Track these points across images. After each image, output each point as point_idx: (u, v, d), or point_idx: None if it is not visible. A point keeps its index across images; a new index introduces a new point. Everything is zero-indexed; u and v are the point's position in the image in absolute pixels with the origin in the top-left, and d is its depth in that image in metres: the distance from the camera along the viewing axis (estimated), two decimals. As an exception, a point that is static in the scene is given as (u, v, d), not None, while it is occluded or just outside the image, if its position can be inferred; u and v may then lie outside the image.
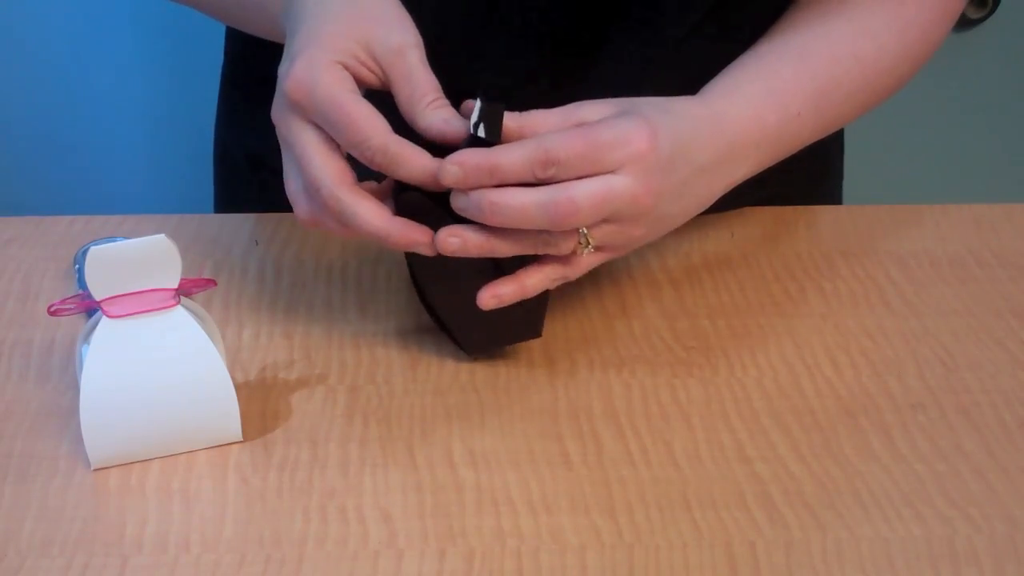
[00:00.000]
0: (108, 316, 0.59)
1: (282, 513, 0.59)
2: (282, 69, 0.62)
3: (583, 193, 0.60)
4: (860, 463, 0.62)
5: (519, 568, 0.56)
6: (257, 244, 0.80)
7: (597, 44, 0.76)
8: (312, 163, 0.61)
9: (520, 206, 0.60)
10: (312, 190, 0.61)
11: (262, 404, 0.66)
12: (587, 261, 0.64)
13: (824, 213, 0.85)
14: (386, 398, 0.67)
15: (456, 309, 0.67)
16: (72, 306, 0.61)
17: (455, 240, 0.61)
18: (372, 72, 0.62)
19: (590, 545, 0.57)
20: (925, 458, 0.63)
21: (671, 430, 0.64)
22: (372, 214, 0.60)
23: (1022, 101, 1.61)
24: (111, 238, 0.79)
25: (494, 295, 0.63)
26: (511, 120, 0.62)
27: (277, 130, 0.63)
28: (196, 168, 1.47)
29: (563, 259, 0.64)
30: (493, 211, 0.60)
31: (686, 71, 0.73)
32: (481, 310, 0.65)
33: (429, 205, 0.62)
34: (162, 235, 0.58)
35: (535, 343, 0.71)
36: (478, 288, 0.64)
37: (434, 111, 0.61)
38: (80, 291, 0.72)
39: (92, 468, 0.61)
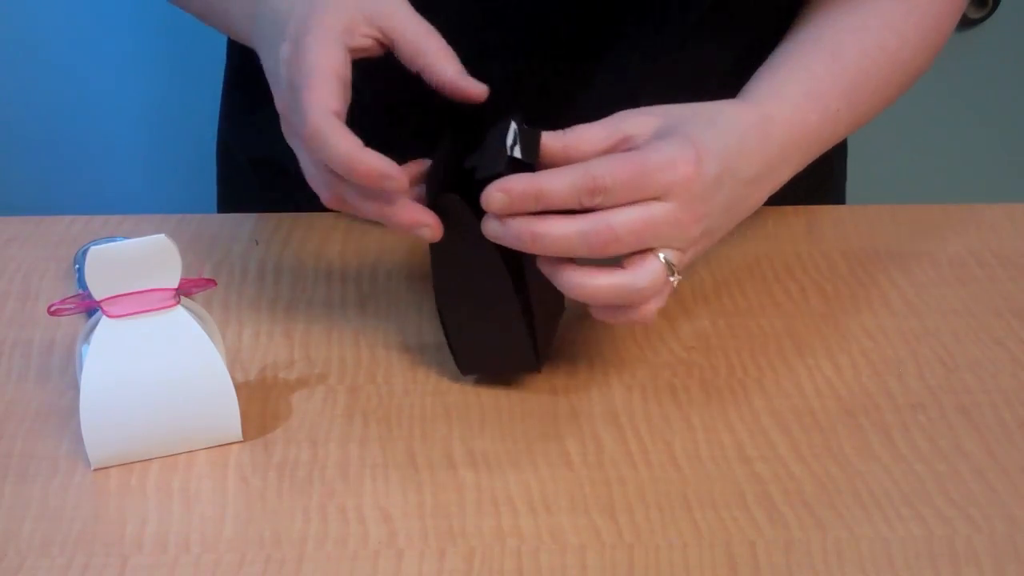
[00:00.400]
0: (108, 316, 0.59)
1: (282, 513, 0.59)
2: (282, 51, 0.62)
3: (622, 222, 0.59)
4: (860, 463, 0.62)
5: (519, 568, 0.56)
6: (257, 244, 0.80)
7: (599, 45, 0.76)
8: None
9: (562, 236, 0.59)
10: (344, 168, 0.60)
11: (262, 404, 0.66)
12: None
13: (824, 213, 0.85)
14: (386, 398, 0.67)
15: (462, 325, 0.66)
16: (72, 306, 0.61)
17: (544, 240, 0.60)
18: (370, 38, 0.62)
19: (590, 545, 0.57)
20: (925, 458, 0.63)
21: (671, 430, 0.64)
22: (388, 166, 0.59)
23: (1022, 101, 1.60)
24: (111, 238, 0.79)
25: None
26: (555, 140, 0.61)
27: (283, 118, 0.63)
28: (196, 168, 1.47)
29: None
30: (534, 240, 0.59)
31: (689, 69, 0.73)
32: (484, 333, 0.64)
33: (467, 210, 0.61)
34: (162, 235, 0.58)
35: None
36: (490, 312, 0.64)
37: (446, 62, 0.61)
38: (80, 291, 0.72)
39: (92, 468, 0.61)
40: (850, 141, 0.94)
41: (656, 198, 0.60)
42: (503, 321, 0.64)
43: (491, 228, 0.60)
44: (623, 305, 0.61)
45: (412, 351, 0.70)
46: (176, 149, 1.50)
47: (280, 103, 0.63)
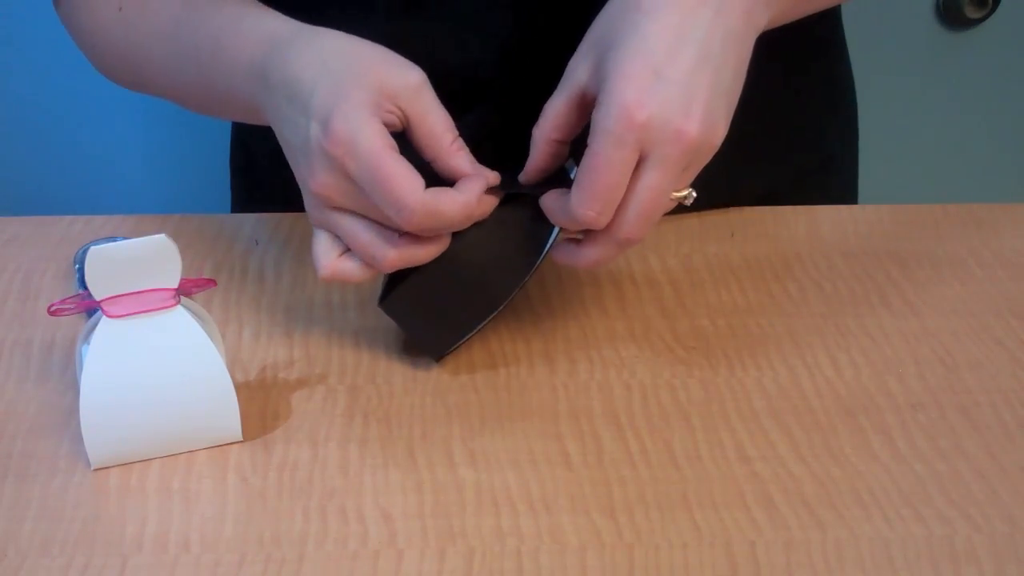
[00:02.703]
0: (108, 316, 0.59)
1: (282, 513, 0.59)
2: (308, 132, 0.61)
3: (633, 219, 0.60)
4: (860, 463, 0.62)
5: (519, 568, 0.56)
6: (257, 244, 0.80)
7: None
8: (359, 237, 0.62)
9: (601, 258, 0.63)
10: (381, 249, 0.62)
11: (262, 404, 0.66)
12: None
13: (824, 213, 0.85)
14: (386, 398, 0.67)
15: (421, 278, 0.65)
16: (72, 306, 0.61)
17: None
18: (394, 115, 0.62)
19: (590, 545, 0.57)
20: (925, 458, 0.63)
21: (671, 430, 0.64)
22: (453, 198, 0.61)
23: (1022, 101, 1.60)
24: (111, 238, 0.79)
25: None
26: (537, 131, 0.64)
27: (318, 197, 0.63)
28: (197, 168, 1.48)
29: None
30: (577, 263, 0.64)
31: None
32: (436, 289, 0.65)
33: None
34: (162, 235, 0.58)
35: (535, 343, 0.71)
36: (462, 292, 0.65)
37: (458, 152, 0.63)
38: (80, 291, 0.73)
39: (92, 468, 0.61)
40: (850, 141, 0.94)
41: (640, 158, 0.59)
42: (465, 305, 0.66)
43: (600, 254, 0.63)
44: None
45: (412, 351, 0.70)
46: (178, 149, 1.50)
47: (314, 181, 0.62)
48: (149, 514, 0.59)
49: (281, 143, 0.66)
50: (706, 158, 0.62)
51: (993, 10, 1.51)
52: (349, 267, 0.64)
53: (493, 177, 0.63)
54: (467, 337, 0.68)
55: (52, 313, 0.61)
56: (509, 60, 0.77)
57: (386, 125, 0.61)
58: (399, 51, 0.66)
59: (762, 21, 0.63)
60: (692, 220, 0.83)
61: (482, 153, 0.67)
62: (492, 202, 0.63)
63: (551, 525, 0.58)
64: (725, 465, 0.62)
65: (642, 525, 0.58)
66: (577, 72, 0.62)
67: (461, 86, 0.78)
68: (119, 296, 0.59)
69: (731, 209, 0.85)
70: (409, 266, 0.64)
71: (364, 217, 0.62)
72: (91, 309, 0.61)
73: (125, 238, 0.60)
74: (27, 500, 0.59)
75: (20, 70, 1.43)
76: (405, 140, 0.63)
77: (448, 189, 0.61)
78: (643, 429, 0.64)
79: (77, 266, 0.76)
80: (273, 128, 0.67)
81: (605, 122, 0.59)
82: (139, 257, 0.59)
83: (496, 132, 0.70)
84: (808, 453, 0.63)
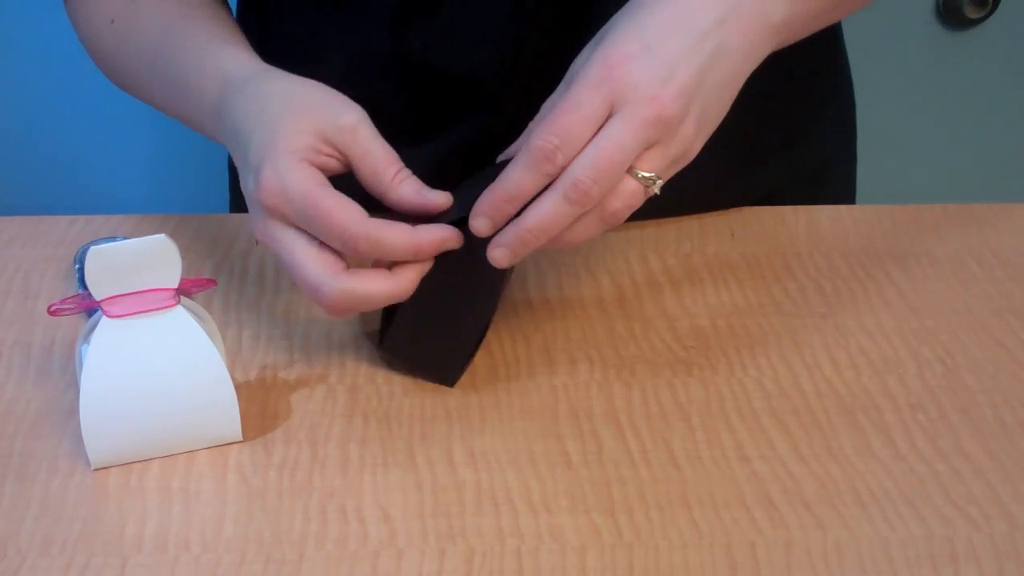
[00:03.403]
0: (108, 316, 0.59)
1: (282, 513, 0.59)
2: (248, 184, 0.62)
3: (587, 164, 0.58)
4: (860, 463, 0.62)
5: (519, 568, 0.56)
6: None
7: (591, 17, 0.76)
8: (306, 268, 0.61)
9: (549, 213, 0.59)
10: (314, 292, 0.61)
11: (262, 404, 0.66)
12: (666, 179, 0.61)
13: (824, 213, 0.85)
14: (386, 398, 0.67)
15: (414, 312, 0.65)
16: (72, 306, 0.61)
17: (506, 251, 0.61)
18: (332, 157, 0.62)
19: (590, 545, 0.57)
20: (925, 458, 0.63)
21: (671, 430, 0.64)
22: (382, 283, 0.61)
23: (1022, 101, 1.60)
24: (111, 238, 0.79)
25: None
26: (535, 123, 0.62)
27: (266, 247, 0.63)
28: (197, 168, 1.48)
29: (636, 201, 0.61)
30: (534, 236, 0.60)
31: None
32: (427, 322, 0.64)
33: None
34: (162, 235, 0.58)
35: (535, 343, 0.71)
36: (451, 318, 0.65)
37: (401, 184, 0.62)
38: (80, 291, 0.73)
39: (92, 468, 0.61)
40: (850, 141, 0.94)
41: (609, 117, 0.59)
42: (458, 323, 0.65)
43: (500, 257, 0.61)
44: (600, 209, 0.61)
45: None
46: (178, 149, 1.50)
47: (256, 228, 0.63)
48: (149, 514, 0.59)
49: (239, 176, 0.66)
50: (678, 147, 0.60)
51: (993, 10, 1.51)
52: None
53: (444, 199, 0.63)
54: (471, 352, 0.67)
55: (52, 313, 0.61)
56: (507, 67, 0.77)
57: (323, 168, 0.62)
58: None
59: (765, 47, 0.63)
60: (692, 220, 0.83)
61: (478, 159, 0.67)
62: (455, 242, 0.62)
63: (551, 525, 0.58)
64: (725, 465, 0.62)
65: (642, 525, 0.58)
66: (577, 68, 0.62)
67: (460, 93, 0.78)
68: (119, 296, 0.59)
69: (731, 209, 0.85)
70: (356, 305, 0.63)
71: (310, 251, 0.62)
72: (91, 309, 0.61)
73: (125, 238, 0.60)
74: (27, 500, 0.59)
75: (20, 70, 1.43)
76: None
77: (394, 222, 0.61)
78: (643, 429, 0.64)
79: (77, 266, 0.76)
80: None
81: (585, 69, 0.59)
82: (139, 257, 0.59)
83: (494, 139, 0.70)
84: (808, 453, 0.63)
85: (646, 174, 0.59)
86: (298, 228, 0.61)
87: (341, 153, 0.62)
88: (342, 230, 0.59)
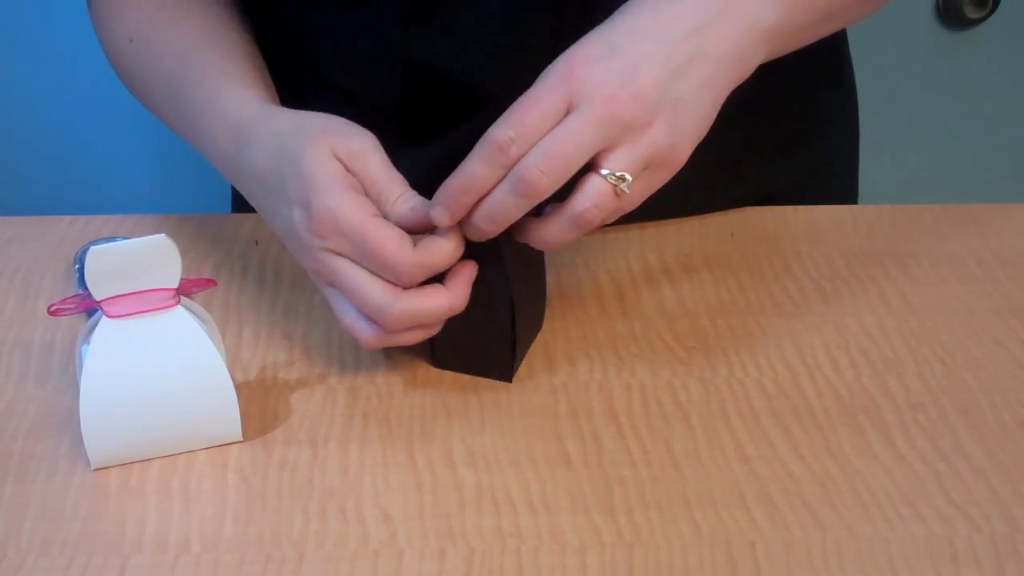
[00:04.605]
0: (108, 316, 0.59)
1: (282, 513, 0.59)
2: (292, 217, 0.63)
3: (539, 154, 0.58)
4: (860, 463, 0.62)
5: (519, 568, 0.56)
6: (257, 244, 0.80)
7: (591, 8, 0.76)
8: (367, 292, 0.61)
9: (499, 201, 0.59)
10: (377, 315, 0.62)
11: (262, 404, 0.66)
12: (637, 190, 0.61)
13: (824, 213, 0.85)
14: (386, 398, 0.67)
15: (449, 320, 0.65)
16: (72, 306, 0.61)
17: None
18: (353, 177, 0.63)
19: (590, 545, 0.57)
20: (925, 458, 0.63)
21: (671, 430, 0.64)
22: (441, 298, 0.62)
23: (1022, 101, 1.60)
24: (111, 238, 0.79)
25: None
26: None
27: (315, 276, 0.64)
28: (197, 168, 1.47)
29: (606, 202, 0.61)
30: (487, 224, 0.60)
31: None
32: (462, 328, 0.65)
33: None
34: (162, 235, 0.59)
35: (535, 343, 0.71)
36: (482, 316, 0.65)
37: (401, 203, 0.62)
38: (80, 291, 0.73)
39: (92, 468, 0.61)
40: (850, 141, 0.94)
41: (567, 113, 0.59)
42: (492, 327, 0.66)
43: (453, 247, 0.61)
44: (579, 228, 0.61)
45: (412, 351, 0.70)
46: (178, 149, 1.49)
47: (310, 259, 0.63)
48: (149, 514, 0.59)
49: (269, 225, 0.67)
50: (648, 150, 0.60)
51: (993, 10, 1.51)
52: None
53: (438, 213, 0.62)
54: (513, 343, 0.67)
55: (52, 313, 0.61)
56: (506, 71, 0.77)
57: (355, 188, 0.62)
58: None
59: (755, 54, 0.63)
60: (692, 220, 0.83)
61: None
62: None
63: (551, 525, 0.58)
64: (725, 465, 0.62)
65: (642, 525, 0.58)
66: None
67: (460, 95, 0.78)
68: (119, 296, 0.59)
69: (731, 209, 0.85)
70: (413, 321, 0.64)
71: (347, 297, 0.63)
72: (91, 309, 0.61)
73: (125, 238, 0.60)
74: (27, 500, 0.59)
75: (20, 70, 1.43)
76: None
77: (436, 238, 0.62)
78: (643, 429, 0.64)
79: (77, 266, 0.76)
80: (259, 212, 0.68)
81: (548, 69, 0.60)
82: (139, 257, 0.59)
83: None
84: (808, 453, 0.63)
85: (614, 172, 0.59)
86: (351, 258, 0.62)
87: (353, 173, 0.63)
88: (391, 264, 0.60)
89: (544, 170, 0.58)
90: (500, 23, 0.76)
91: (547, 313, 0.73)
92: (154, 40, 0.76)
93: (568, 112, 0.59)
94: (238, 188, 0.69)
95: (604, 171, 0.59)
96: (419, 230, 0.62)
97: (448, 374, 0.68)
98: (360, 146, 0.63)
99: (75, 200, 1.51)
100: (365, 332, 0.63)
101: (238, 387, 0.63)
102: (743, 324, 0.73)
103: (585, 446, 0.63)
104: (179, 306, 0.60)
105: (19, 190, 1.50)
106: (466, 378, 0.68)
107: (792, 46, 0.68)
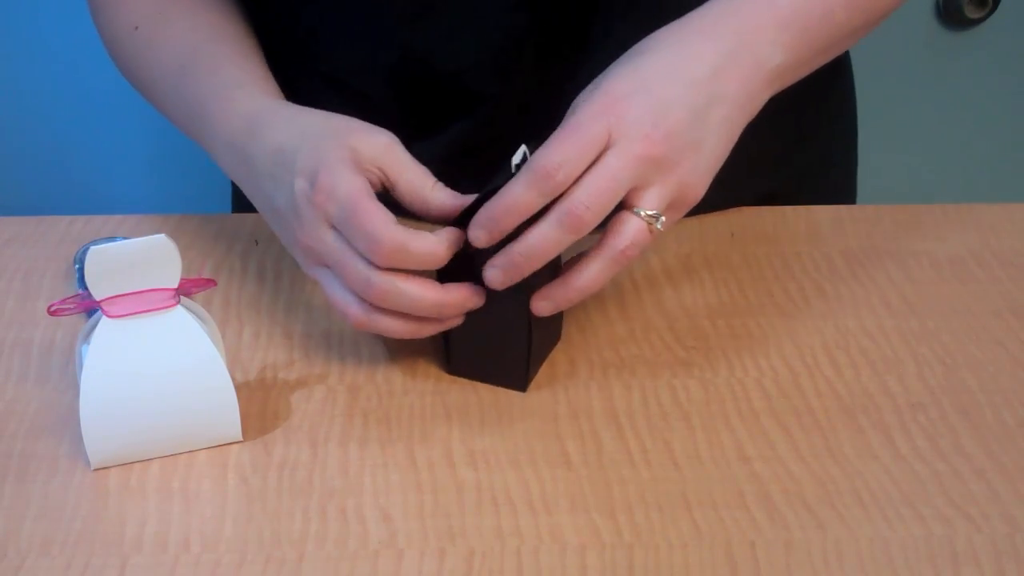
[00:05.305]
0: (108, 316, 0.59)
1: (282, 513, 0.59)
2: (295, 187, 0.63)
3: (583, 191, 0.60)
4: (860, 463, 0.62)
5: (519, 568, 0.56)
6: (257, 244, 0.80)
7: (589, 10, 0.76)
8: (356, 261, 0.62)
9: (542, 235, 0.61)
10: (365, 285, 0.62)
11: (262, 404, 0.66)
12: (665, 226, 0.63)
13: (824, 213, 0.85)
14: (386, 398, 0.67)
15: (463, 328, 0.66)
16: (72, 306, 0.61)
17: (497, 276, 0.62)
18: (373, 173, 0.63)
19: (590, 545, 0.57)
20: (925, 458, 0.63)
21: (671, 430, 0.64)
22: (429, 290, 0.63)
23: (1022, 101, 1.60)
24: (111, 238, 0.79)
25: (547, 298, 0.64)
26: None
27: (305, 259, 0.65)
28: (197, 168, 1.47)
29: (643, 239, 0.63)
30: (524, 258, 0.61)
31: None
32: (478, 338, 0.65)
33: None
34: (162, 235, 0.59)
35: (535, 343, 0.71)
36: (497, 326, 0.65)
37: (440, 188, 0.64)
38: (80, 291, 0.73)
39: (92, 468, 0.61)
40: (850, 141, 0.94)
41: (605, 150, 0.61)
42: (507, 337, 0.66)
43: (494, 277, 0.62)
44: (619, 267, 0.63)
45: (412, 351, 0.70)
46: (180, 148, 1.49)
47: (301, 233, 0.64)
48: (149, 514, 0.59)
49: (263, 210, 0.68)
50: (674, 189, 0.62)
51: (993, 10, 1.51)
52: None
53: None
54: (528, 353, 0.67)
55: (52, 313, 0.61)
56: (505, 68, 0.77)
57: (368, 180, 0.63)
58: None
59: (762, 94, 0.67)
60: (692, 220, 0.83)
61: (477, 159, 0.67)
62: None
63: (551, 525, 0.58)
64: (725, 465, 0.62)
65: (642, 525, 0.58)
66: (579, 103, 0.64)
67: (458, 93, 0.78)
68: (119, 296, 0.59)
69: (731, 209, 0.85)
70: (374, 331, 0.64)
71: (340, 268, 0.63)
72: (91, 309, 0.61)
73: (125, 238, 0.60)
74: (27, 500, 0.59)
75: (21, 70, 1.43)
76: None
77: (421, 231, 0.62)
78: (643, 429, 0.64)
79: (77, 266, 0.76)
80: (252, 200, 0.69)
81: (590, 99, 0.62)
82: (139, 257, 0.59)
83: (491, 139, 0.70)
84: (808, 453, 0.63)
85: (648, 212, 0.62)
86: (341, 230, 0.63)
87: (382, 171, 0.63)
88: (371, 231, 0.60)
89: (589, 205, 0.60)
90: (500, 21, 0.76)
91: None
92: (161, 28, 0.76)
93: (608, 144, 0.61)
94: (238, 173, 0.69)
95: (639, 210, 0.62)
96: (448, 220, 0.63)
97: (447, 374, 0.68)
98: (385, 141, 0.64)
99: (75, 200, 1.51)
100: (352, 306, 0.63)
101: (238, 387, 0.63)
102: (743, 324, 0.73)
103: (585, 446, 0.63)
104: (179, 306, 0.60)
105: (19, 190, 1.50)
106: (466, 379, 0.68)
107: (796, 79, 0.70)
